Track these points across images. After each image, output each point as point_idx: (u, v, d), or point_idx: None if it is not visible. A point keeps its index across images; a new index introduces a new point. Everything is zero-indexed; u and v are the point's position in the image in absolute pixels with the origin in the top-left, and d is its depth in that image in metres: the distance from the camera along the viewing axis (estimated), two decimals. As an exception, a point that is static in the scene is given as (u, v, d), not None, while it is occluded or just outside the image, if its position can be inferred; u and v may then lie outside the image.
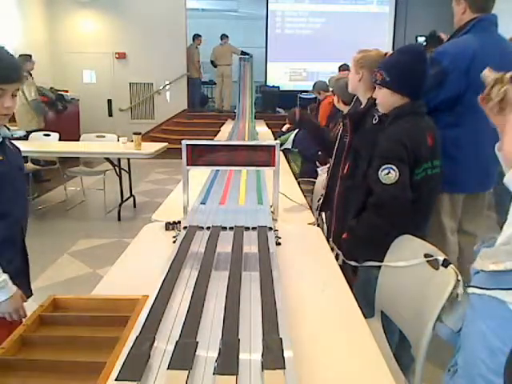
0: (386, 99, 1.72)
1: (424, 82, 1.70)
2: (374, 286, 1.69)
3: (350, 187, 1.91)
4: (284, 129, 4.44)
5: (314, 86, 5.39)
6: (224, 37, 9.29)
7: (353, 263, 1.78)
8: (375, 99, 1.78)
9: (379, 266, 1.67)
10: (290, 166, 3.82)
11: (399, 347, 1.68)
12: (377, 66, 1.76)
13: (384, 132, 1.70)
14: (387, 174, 1.59)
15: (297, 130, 4.19)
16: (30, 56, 5.83)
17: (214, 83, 9.97)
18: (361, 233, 1.72)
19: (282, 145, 4.01)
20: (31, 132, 5.40)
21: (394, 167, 1.59)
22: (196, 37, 9.36)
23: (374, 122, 1.81)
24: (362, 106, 2.01)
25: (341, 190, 2.00)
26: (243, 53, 8.70)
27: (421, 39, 2.42)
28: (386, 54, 1.91)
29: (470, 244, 2.21)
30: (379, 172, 1.61)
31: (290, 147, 4.14)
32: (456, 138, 2.04)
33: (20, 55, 5.63)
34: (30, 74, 5.71)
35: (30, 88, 5.69)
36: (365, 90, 1.96)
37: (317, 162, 3.65)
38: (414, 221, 1.67)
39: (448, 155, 1.87)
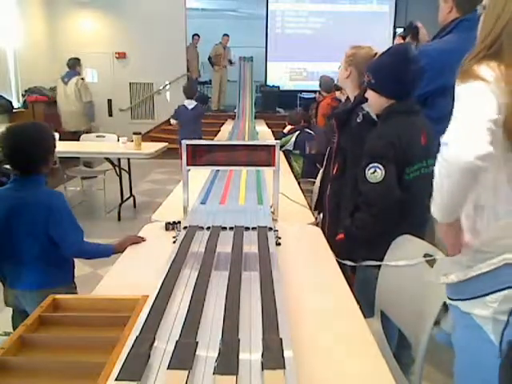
0: (374, 100, 1.75)
1: (410, 82, 1.70)
2: (373, 286, 1.69)
3: (340, 188, 1.91)
4: (285, 130, 4.44)
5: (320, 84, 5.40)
6: (222, 36, 9.33)
7: (348, 263, 1.78)
8: (362, 98, 1.80)
9: (378, 265, 1.67)
10: (291, 166, 3.82)
11: (399, 347, 1.68)
12: (364, 65, 1.78)
13: (375, 131, 1.70)
14: (373, 172, 1.60)
15: (298, 132, 4.19)
16: (79, 60, 6.12)
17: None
18: (354, 232, 1.73)
19: (283, 146, 4.01)
20: (80, 132, 5.56)
21: (380, 166, 1.59)
22: (194, 36, 9.41)
23: (358, 120, 1.82)
24: (347, 104, 2.02)
25: (331, 192, 2.00)
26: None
27: (399, 30, 2.48)
28: (375, 54, 1.91)
29: None
30: (366, 171, 1.62)
31: (292, 149, 4.14)
32: (439, 132, 2.05)
33: (70, 59, 6.07)
34: (82, 78, 6.10)
35: (87, 90, 6.05)
36: (352, 88, 1.97)
37: (317, 164, 3.65)
38: (409, 220, 1.67)
39: None
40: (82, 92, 6.00)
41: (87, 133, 5.65)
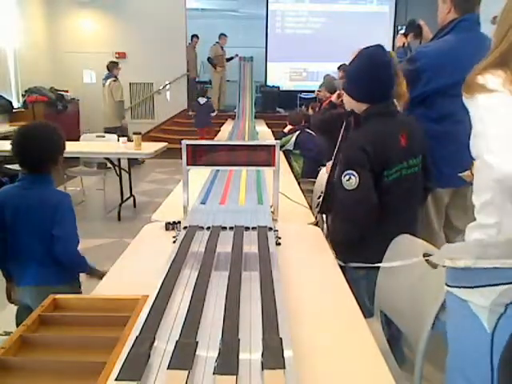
0: (349, 104, 1.75)
1: (380, 84, 1.69)
2: (361, 286, 1.69)
3: None
4: (286, 130, 4.43)
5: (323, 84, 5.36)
6: (220, 36, 9.34)
7: (340, 263, 1.78)
8: None
9: (365, 266, 1.68)
10: (291, 166, 3.81)
11: (396, 345, 1.68)
12: None
13: (349, 136, 1.71)
14: (348, 179, 1.62)
15: (298, 132, 4.18)
16: (117, 63, 7.01)
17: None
18: (336, 237, 1.76)
19: (283, 146, 4.00)
20: (113, 128, 6.33)
21: (354, 173, 1.61)
22: (193, 37, 9.43)
23: None
24: None
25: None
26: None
27: (401, 30, 2.49)
28: None
29: (459, 240, 2.22)
30: (342, 178, 1.63)
31: (292, 149, 4.13)
32: (437, 132, 2.05)
33: (110, 62, 6.92)
34: (117, 78, 6.80)
35: (118, 91, 6.71)
36: None
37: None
38: (393, 221, 1.67)
39: (429, 150, 1.88)
40: (114, 92, 6.64)
41: (115, 132, 5.93)
